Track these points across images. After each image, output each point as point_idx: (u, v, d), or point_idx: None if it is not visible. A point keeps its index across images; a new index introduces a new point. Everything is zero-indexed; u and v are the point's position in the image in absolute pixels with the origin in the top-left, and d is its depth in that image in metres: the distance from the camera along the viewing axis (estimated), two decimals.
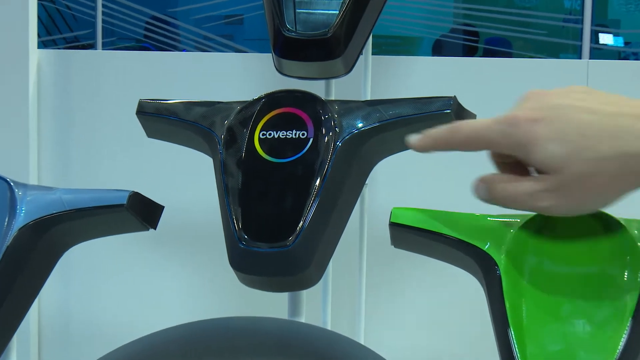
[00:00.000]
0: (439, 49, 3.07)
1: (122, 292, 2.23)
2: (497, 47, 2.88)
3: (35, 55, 2.17)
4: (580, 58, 2.48)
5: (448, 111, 1.30)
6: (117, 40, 3.17)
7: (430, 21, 3.03)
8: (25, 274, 1.28)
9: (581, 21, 2.48)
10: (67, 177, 2.19)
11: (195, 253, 2.18)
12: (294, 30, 1.40)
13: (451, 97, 1.33)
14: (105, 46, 2.84)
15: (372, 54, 1.87)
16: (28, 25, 2.10)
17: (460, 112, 1.34)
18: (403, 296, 2.13)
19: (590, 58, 2.40)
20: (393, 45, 3.77)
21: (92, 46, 2.76)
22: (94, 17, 2.68)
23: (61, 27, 3.22)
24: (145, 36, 3.00)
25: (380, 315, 2.10)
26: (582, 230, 1.15)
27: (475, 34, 3.01)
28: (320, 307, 1.73)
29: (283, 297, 1.46)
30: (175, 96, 1.62)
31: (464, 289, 1.99)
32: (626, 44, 3.45)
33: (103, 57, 2.31)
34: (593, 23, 2.48)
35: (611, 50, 3.29)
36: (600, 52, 3.12)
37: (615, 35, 3.39)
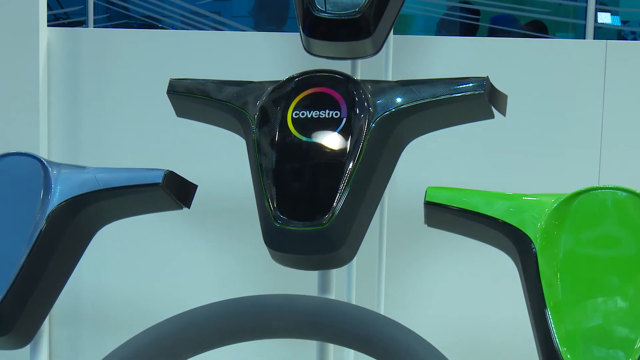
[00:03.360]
0: (440, 27, 3.10)
1: (154, 269, 2.24)
2: (504, 27, 2.91)
3: (45, 32, 2.21)
4: (583, 38, 2.53)
5: (482, 92, 1.36)
6: (109, 17, 3.18)
7: None
8: (60, 252, 1.33)
9: None
10: (77, 154, 2.22)
11: (225, 231, 2.20)
12: (324, 10, 1.44)
13: (484, 77, 1.38)
14: (97, 23, 2.86)
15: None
16: (38, 3, 2.14)
17: (493, 93, 1.40)
18: (423, 274, 2.17)
19: (594, 38, 2.46)
20: None
21: (82, 23, 2.78)
22: None
23: (51, 3, 3.23)
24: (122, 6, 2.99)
25: (400, 291, 2.15)
26: (618, 210, 1.22)
27: (476, 12, 3.05)
28: (345, 283, 1.76)
29: (311, 274, 1.51)
30: (188, 76, 1.66)
31: (486, 269, 2.06)
32: (623, 22, 3.51)
33: (113, 35, 2.34)
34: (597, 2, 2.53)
35: (610, 29, 3.35)
36: (600, 31, 3.18)
37: (613, 14, 3.45)
